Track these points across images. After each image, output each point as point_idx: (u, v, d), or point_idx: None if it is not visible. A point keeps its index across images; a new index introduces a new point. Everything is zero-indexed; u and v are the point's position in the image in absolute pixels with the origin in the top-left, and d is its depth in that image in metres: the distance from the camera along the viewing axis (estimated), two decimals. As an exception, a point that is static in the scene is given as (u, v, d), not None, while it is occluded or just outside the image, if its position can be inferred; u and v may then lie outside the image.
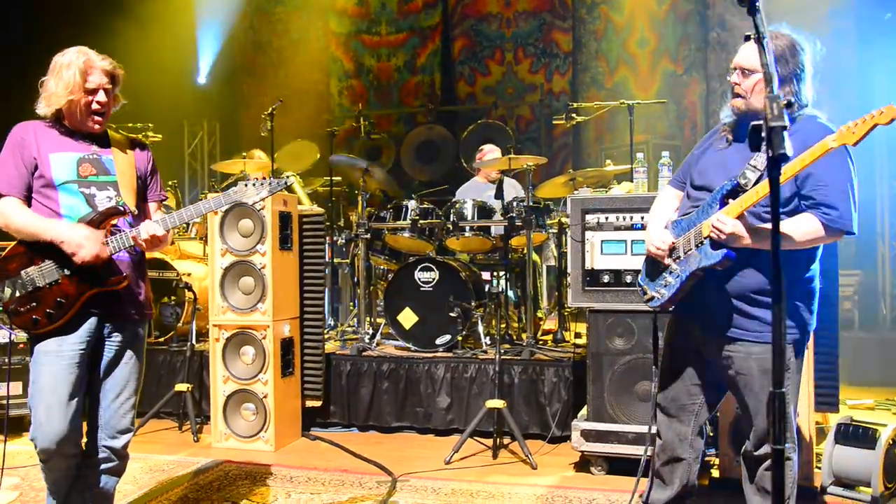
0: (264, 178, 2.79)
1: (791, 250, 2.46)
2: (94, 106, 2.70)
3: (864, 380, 5.99)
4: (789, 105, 1.49)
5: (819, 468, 3.65)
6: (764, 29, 1.61)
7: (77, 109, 2.68)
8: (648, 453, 2.95)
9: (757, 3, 1.62)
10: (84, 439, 2.80)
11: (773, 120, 1.41)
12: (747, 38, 1.68)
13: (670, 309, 2.78)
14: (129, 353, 2.82)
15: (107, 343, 2.77)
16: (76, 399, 2.67)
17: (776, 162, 1.43)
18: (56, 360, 2.65)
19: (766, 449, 2.61)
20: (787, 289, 2.51)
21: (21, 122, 2.73)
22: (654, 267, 2.79)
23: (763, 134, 1.44)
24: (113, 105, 2.78)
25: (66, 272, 2.65)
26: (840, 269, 3.93)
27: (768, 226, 2.40)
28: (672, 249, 2.69)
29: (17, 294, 2.66)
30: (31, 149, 2.67)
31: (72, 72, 2.64)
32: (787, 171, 2.32)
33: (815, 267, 2.61)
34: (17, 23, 7.08)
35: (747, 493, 2.72)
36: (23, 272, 2.66)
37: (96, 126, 2.75)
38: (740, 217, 2.44)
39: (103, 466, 2.85)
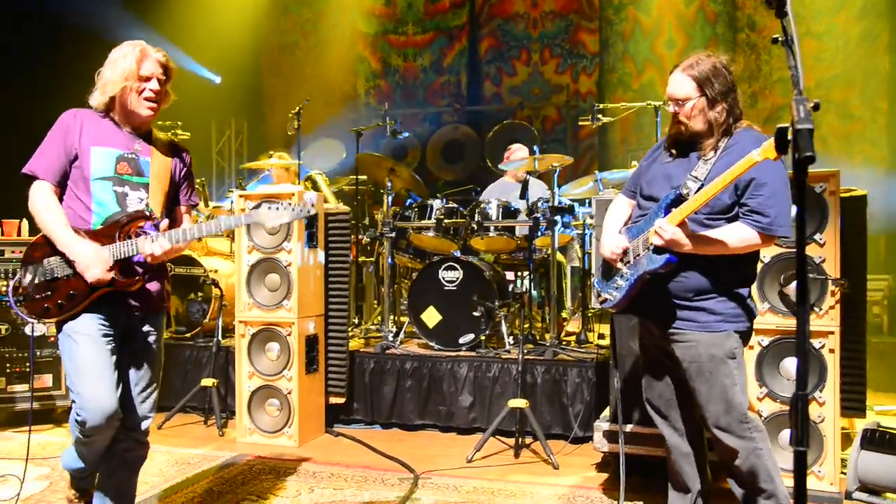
0: (288, 202, 2.80)
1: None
2: (147, 94, 2.76)
3: (893, 386, 5.90)
4: (816, 108, 1.49)
5: (844, 473, 3.61)
6: (792, 32, 1.61)
7: (131, 95, 2.75)
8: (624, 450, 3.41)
9: (786, 8, 1.62)
10: None
11: (799, 122, 1.41)
12: (775, 41, 1.68)
13: (626, 310, 2.98)
14: (145, 344, 2.87)
15: (126, 334, 2.83)
16: (116, 373, 2.73)
17: (803, 164, 1.43)
18: (91, 339, 2.70)
19: (725, 439, 2.76)
20: (737, 284, 2.78)
21: (71, 109, 2.80)
22: (608, 271, 3.01)
23: (790, 137, 1.45)
24: (165, 99, 2.85)
25: None
26: (869, 274, 3.88)
27: (707, 232, 2.70)
28: (624, 254, 2.91)
29: (37, 281, 2.73)
30: (74, 137, 2.74)
31: (128, 60, 2.74)
32: (717, 185, 2.54)
33: (758, 266, 2.93)
34: (44, 21, 7.21)
35: (733, 487, 2.88)
36: (45, 261, 2.73)
37: (149, 112, 2.80)
38: (682, 224, 2.67)
39: (125, 454, 2.88)
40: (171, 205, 2.95)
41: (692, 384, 2.81)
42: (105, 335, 2.73)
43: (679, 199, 2.70)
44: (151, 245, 2.69)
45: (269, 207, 2.77)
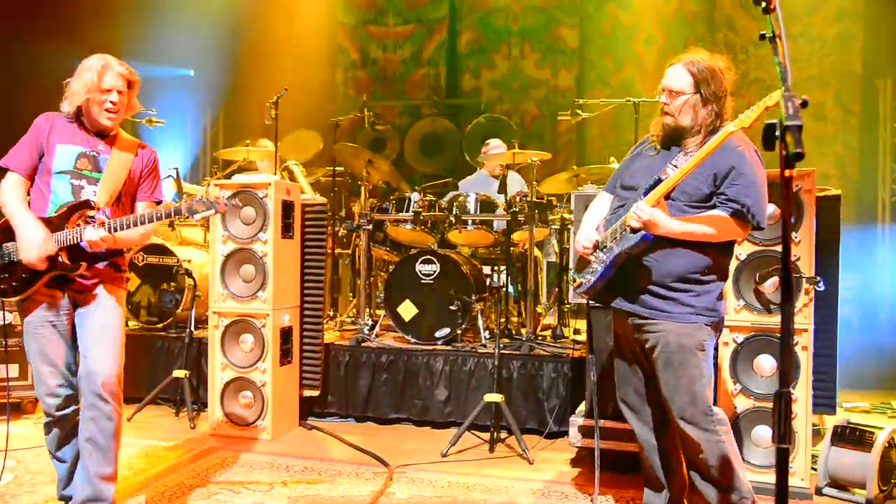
0: (211, 199, 2.93)
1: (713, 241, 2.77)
2: (108, 105, 3.00)
3: (861, 383, 5.99)
4: (804, 104, 1.49)
5: (815, 469, 3.65)
6: (779, 29, 1.62)
7: (93, 106, 2.99)
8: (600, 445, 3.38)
9: (773, 4, 1.63)
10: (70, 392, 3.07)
11: (789, 119, 1.41)
12: (762, 38, 1.68)
13: (600, 296, 3.01)
14: (101, 316, 3.04)
15: (80, 311, 3.04)
16: (66, 361, 3.04)
17: (790, 161, 1.43)
18: (40, 331, 3.00)
19: (689, 431, 2.79)
20: (711, 278, 2.83)
21: (45, 113, 3.07)
22: (582, 262, 3.06)
23: (777, 133, 1.45)
24: (128, 108, 3.08)
25: None
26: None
27: (685, 217, 2.75)
28: (596, 248, 2.97)
29: None
30: (43, 136, 3.01)
31: (90, 73, 2.98)
32: (694, 161, 2.63)
33: (732, 262, 2.95)
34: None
35: (696, 480, 2.90)
36: (3, 245, 2.98)
37: (108, 122, 3.03)
38: (659, 205, 2.73)
39: (88, 414, 2.98)
40: (127, 200, 3.14)
41: (659, 374, 2.85)
42: (56, 326, 3.01)
43: (657, 185, 2.75)
44: (92, 233, 2.87)
45: (198, 199, 2.92)
